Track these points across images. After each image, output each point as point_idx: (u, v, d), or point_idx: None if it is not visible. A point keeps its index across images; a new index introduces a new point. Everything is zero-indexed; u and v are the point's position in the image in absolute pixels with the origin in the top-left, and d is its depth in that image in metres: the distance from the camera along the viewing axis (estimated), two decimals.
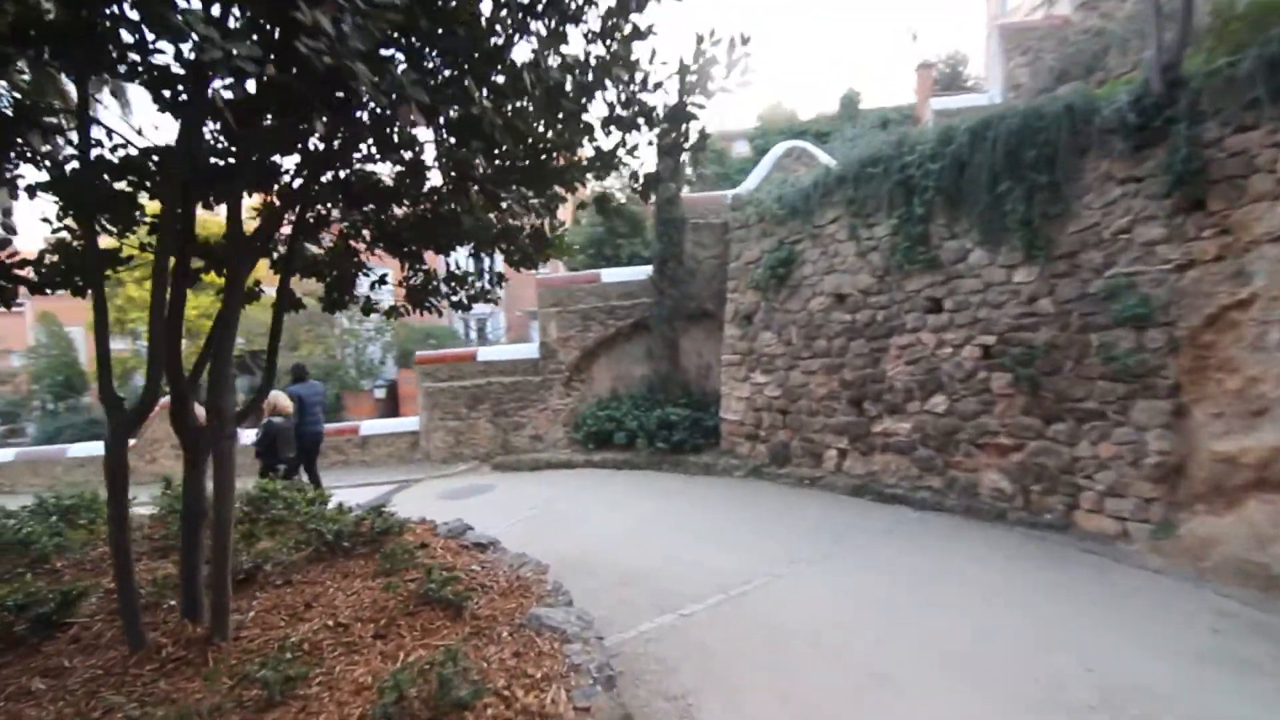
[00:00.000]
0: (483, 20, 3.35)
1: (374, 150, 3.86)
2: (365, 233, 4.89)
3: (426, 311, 5.48)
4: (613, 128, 4.04)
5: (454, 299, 5.45)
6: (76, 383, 28.85)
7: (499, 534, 5.99)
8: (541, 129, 3.94)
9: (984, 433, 6.76)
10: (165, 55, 2.98)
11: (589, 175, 4.40)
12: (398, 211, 4.78)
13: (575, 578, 5.22)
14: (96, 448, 12.79)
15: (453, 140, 3.76)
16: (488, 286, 5.53)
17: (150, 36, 2.86)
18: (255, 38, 2.72)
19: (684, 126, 4.05)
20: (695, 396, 10.76)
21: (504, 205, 4.47)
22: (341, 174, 4.21)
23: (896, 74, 64.21)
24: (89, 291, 3.76)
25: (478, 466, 11.28)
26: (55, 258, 3.89)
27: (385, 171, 4.49)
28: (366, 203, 4.55)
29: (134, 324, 25.12)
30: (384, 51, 3.10)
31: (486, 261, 5.57)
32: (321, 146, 3.66)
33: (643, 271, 11.09)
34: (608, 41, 3.74)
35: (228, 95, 2.74)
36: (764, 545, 6.25)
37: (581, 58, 3.72)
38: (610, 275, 11.42)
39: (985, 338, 6.76)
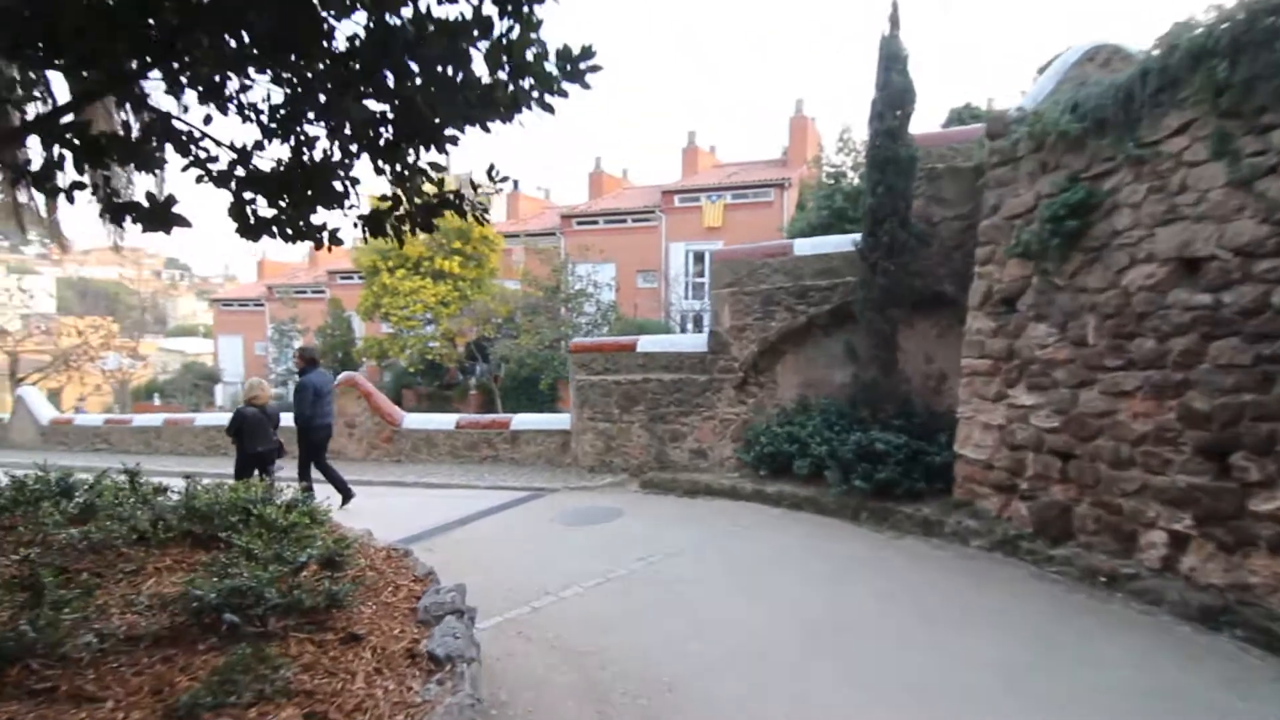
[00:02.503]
0: None
1: None
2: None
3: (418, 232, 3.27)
4: None
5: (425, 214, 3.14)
6: (352, 360, 32.27)
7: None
8: None
9: None
10: None
11: None
12: None
13: None
14: (220, 418, 12.79)
15: None
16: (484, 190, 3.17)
17: None
18: None
19: None
20: (916, 418, 7.35)
21: None
22: None
23: None
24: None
25: (625, 481, 8.95)
26: None
27: None
28: None
29: (386, 310, 27.10)
30: None
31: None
32: None
33: (849, 241, 7.89)
34: None
35: None
36: None
37: None
38: (805, 246, 8.38)
39: None
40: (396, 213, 3.29)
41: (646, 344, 9.33)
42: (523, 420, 10.57)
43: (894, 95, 7.10)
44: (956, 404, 6.90)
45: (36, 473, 4.71)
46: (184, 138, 3.16)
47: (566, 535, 6.72)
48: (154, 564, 3.87)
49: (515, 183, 37.09)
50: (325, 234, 3.29)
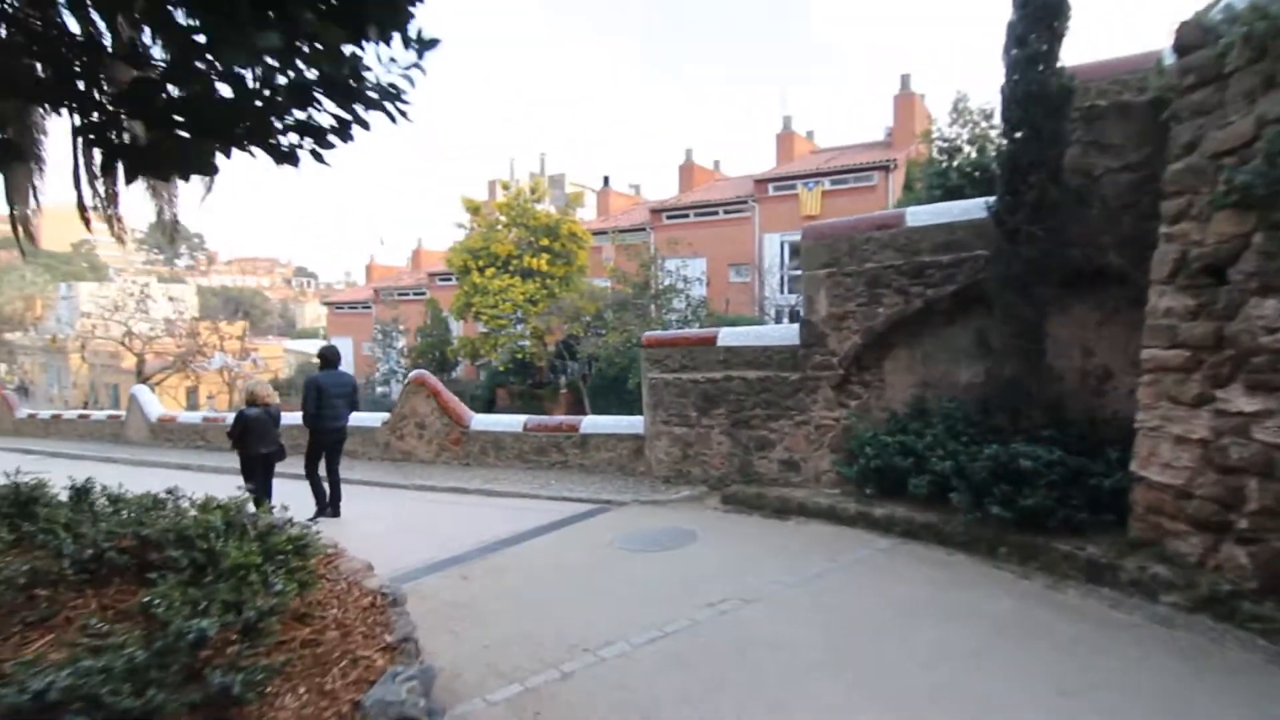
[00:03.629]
0: None
1: None
2: None
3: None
4: None
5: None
6: (449, 359, 32.64)
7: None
8: None
9: None
10: None
11: None
12: None
13: None
14: (364, 418, 12.37)
15: None
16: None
17: None
18: None
19: None
20: (1073, 428, 5.67)
21: None
22: None
23: None
24: None
25: (703, 496, 7.70)
26: None
27: None
28: None
29: (477, 309, 27.01)
30: None
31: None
32: None
33: (978, 206, 6.28)
34: None
35: None
36: None
37: None
38: (922, 214, 6.80)
39: None
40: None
41: (728, 337, 8.03)
42: (593, 423, 9.52)
43: (1040, 10, 5.46)
44: (1127, 409, 5.21)
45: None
46: None
47: (625, 565, 5.56)
48: (71, 611, 3.03)
49: (605, 179, 36.47)
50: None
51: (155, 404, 16.66)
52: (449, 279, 32.05)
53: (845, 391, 7.22)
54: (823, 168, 26.55)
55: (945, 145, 19.36)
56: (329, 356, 7.79)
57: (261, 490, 7.07)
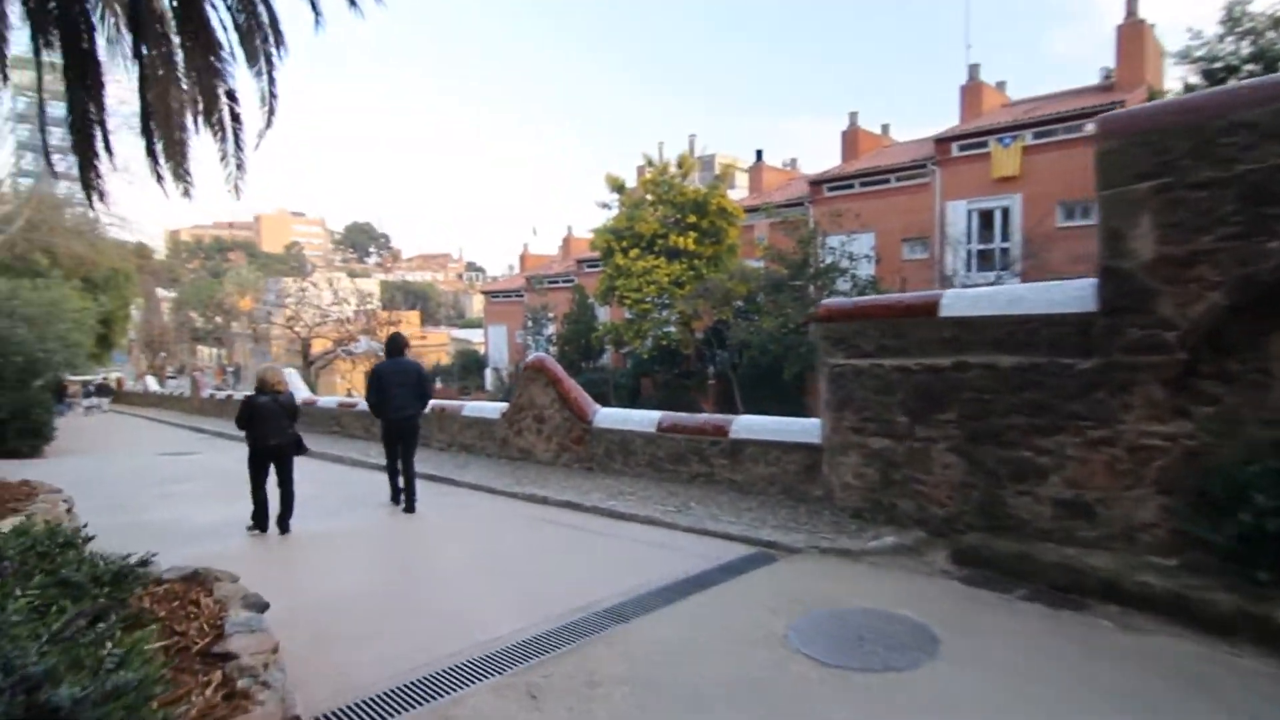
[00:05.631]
0: None
1: None
2: None
3: None
4: None
5: None
6: (594, 346, 31.38)
7: None
8: None
9: None
10: None
11: None
12: None
13: None
14: (483, 409, 10.71)
15: None
16: None
17: None
18: None
19: None
20: None
21: None
22: None
23: None
24: None
25: (920, 546, 4.90)
26: None
27: None
28: None
29: (620, 292, 25.21)
30: None
31: None
32: None
33: None
34: None
35: None
36: None
37: None
38: None
39: None
40: None
41: (959, 303, 5.14)
42: (747, 426, 6.94)
43: None
44: None
45: None
46: None
47: (816, 699, 3.02)
48: None
49: (759, 153, 33.33)
50: None
51: (302, 387, 16.33)
52: (596, 265, 30.60)
53: (1189, 390, 4.12)
54: (1021, 119, 21.87)
55: (1212, 66, 14.52)
56: (392, 344, 7.42)
57: (260, 487, 6.20)
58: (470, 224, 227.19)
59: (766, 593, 4.25)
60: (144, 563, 2.79)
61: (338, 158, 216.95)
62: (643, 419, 7.88)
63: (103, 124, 6.76)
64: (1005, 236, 21.80)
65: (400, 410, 7.02)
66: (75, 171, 6.89)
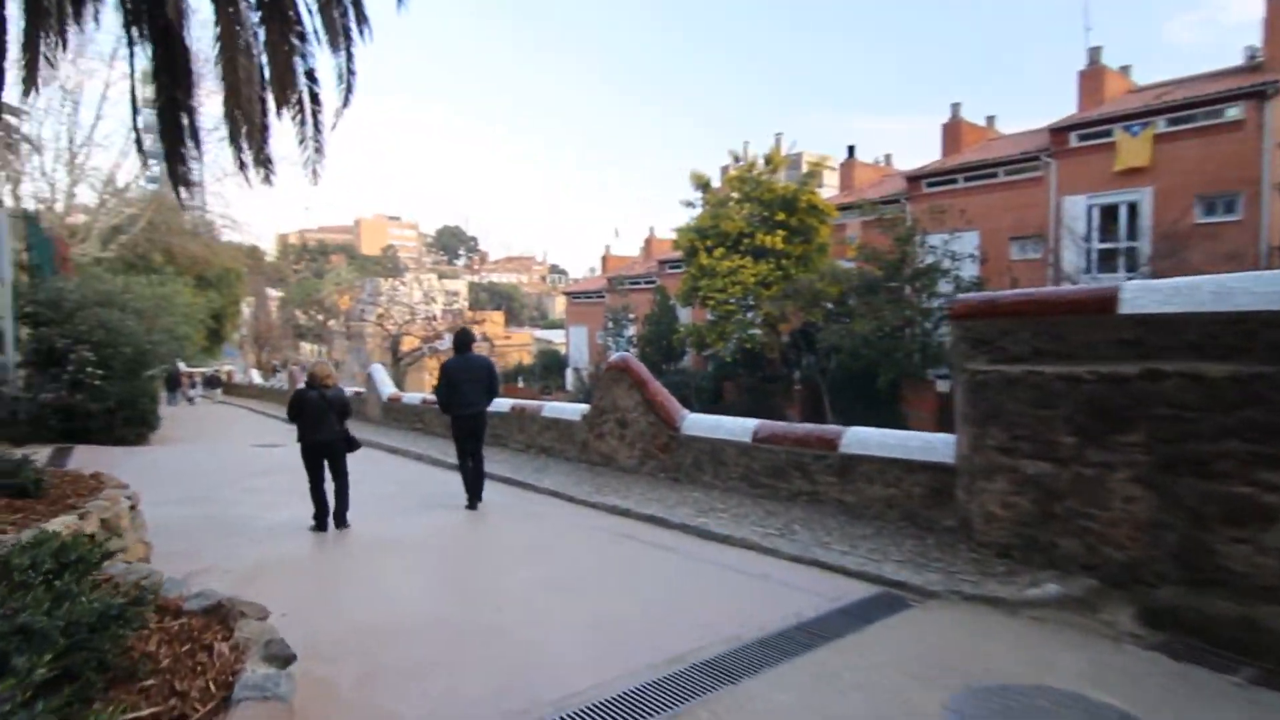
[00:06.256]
0: None
1: None
2: None
3: None
4: None
5: None
6: (674, 348, 30.70)
7: None
8: None
9: None
10: None
11: None
12: None
13: None
14: (563, 410, 10.18)
15: None
16: None
17: None
18: None
19: None
20: None
21: None
22: None
23: None
24: None
25: (1092, 598, 3.91)
26: None
27: None
28: None
29: (703, 292, 24.40)
30: None
31: None
32: None
33: None
34: None
35: None
36: None
37: None
38: None
39: None
40: None
41: (1145, 296, 4.10)
42: (861, 439, 6.02)
43: None
44: None
45: None
46: None
47: None
48: None
49: (850, 149, 31.72)
50: None
51: (388, 383, 16.40)
52: (678, 266, 29.92)
53: None
54: (1152, 104, 19.64)
55: None
56: (459, 341, 7.41)
57: (317, 486, 6.09)
58: (555, 227, 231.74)
59: (907, 652, 3.40)
60: (155, 590, 2.28)
61: (431, 161, 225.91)
62: (736, 427, 7.09)
63: (190, 111, 6.62)
64: (1132, 234, 19.64)
65: (468, 407, 6.98)
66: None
